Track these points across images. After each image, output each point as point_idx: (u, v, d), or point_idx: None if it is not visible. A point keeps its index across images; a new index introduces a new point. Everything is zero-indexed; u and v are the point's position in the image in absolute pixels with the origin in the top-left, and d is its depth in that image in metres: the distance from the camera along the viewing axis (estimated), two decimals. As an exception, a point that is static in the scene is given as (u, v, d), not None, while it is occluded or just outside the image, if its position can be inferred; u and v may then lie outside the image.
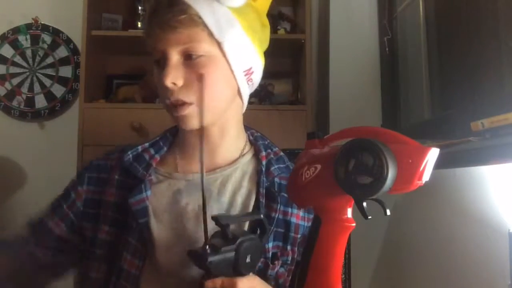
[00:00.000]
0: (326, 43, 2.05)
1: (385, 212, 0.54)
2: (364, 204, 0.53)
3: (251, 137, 0.92)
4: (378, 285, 1.89)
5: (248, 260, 0.62)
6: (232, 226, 0.64)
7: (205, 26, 0.75)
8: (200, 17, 0.75)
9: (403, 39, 1.95)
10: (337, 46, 2.05)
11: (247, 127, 0.94)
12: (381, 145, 0.50)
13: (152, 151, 0.88)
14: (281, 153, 0.91)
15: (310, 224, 0.84)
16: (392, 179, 0.50)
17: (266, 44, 0.88)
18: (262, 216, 0.67)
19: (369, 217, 0.53)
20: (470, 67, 1.32)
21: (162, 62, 0.77)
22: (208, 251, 0.59)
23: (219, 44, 0.77)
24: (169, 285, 0.78)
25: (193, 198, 0.82)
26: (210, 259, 0.58)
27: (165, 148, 0.89)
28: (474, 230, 1.09)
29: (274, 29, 1.93)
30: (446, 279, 1.23)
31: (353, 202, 0.56)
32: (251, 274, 0.67)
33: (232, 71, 0.80)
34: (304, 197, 0.63)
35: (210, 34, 0.76)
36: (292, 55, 2.07)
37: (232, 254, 0.60)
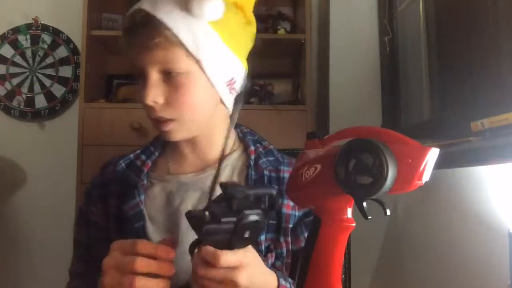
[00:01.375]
0: (326, 43, 2.05)
1: (385, 212, 0.54)
2: (364, 204, 0.53)
3: (240, 134, 0.93)
4: (378, 285, 1.89)
5: (246, 235, 0.59)
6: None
7: (182, 45, 0.74)
8: (176, 37, 0.73)
9: (403, 39, 1.95)
10: (337, 46, 2.05)
11: (236, 124, 0.95)
12: (381, 145, 0.50)
13: (143, 157, 0.90)
14: (271, 147, 0.93)
15: (301, 213, 0.85)
16: (392, 179, 0.50)
17: (251, 43, 0.86)
18: (274, 192, 0.62)
19: (369, 217, 0.53)
20: (470, 67, 1.32)
21: (142, 79, 0.77)
22: (208, 217, 0.56)
23: (197, 61, 0.76)
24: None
25: (185, 198, 0.84)
26: (206, 227, 0.56)
27: (156, 153, 0.91)
28: (474, 230, 1.09)
29: (274, 29, 1.93)
30: (446, 279, 1.23)
31: (353, 202, 0.56)
32: (248, 248, 0.63)
33: (212, 85, 0.79)
34: (304, 197, 0.62)
35: (188, 52, 0.75)
36: (292, 55, 2.07)
37: (231, 226, 0.57)
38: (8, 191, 2.09)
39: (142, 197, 0.84)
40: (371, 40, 2.07)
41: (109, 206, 0.87)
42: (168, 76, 0.76)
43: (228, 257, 0.58)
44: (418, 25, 1.76)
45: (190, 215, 0.59)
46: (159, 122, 0.79)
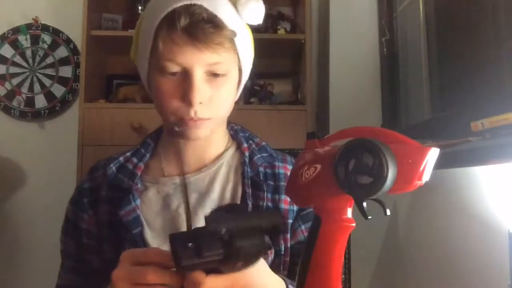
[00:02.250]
0: (326, 43, 2.05)
1: (385, 212, 0.53)
2: (364, 204, 0.53)
3: (231, 132, 0.93)
4: (378, 285, 1.89)
5: (239, 265, 0.51)
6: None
7: (236, 48, 0.76)
8: (233, 40, 0.74)
9: (403, 39, 1.95)
10: (337, 46, 2.05)
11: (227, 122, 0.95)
12: (381, 145, 0.50)
13: (134, 160, 0.86)
14: (263, 143, 0.92)
15: (298, 208, 0.85)
16: (392, 179, 0.50)
17: None
18: (278, 221, 0.52)
19: (369, 217, 0.53)
20: (470, 67, 1.32)
21: (179, 76, 0.74)
22: (190, 249, 0.49)
23: (239, 63, 0.79)
24: None
25: (183, 200, 0.82)
26: (185, 263, 0.49)
27: (147, 155, 0.87)
28: (474, 230, 1.09)
29: (274, 29, 1.93)
30: (446, 279, 1.23)
31: (353, 202, 0.56)
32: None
33: (239, 87, 0.83)
34: (304, 197, 0.62)
35: (236, 58, 0.77)
36: (292, 55, 2.07)
37: (217, 258, 0.49)
38: (8, 191, 2.09)
39: (138, 201, 0.81)
40: (371, 40, 2.07)
41: (100, 212, 0.83)
42: (211, 76, 0.75)
43: (211, 284, 0.53)
44: (418, 25, 1.76)
45: (171, 241, 0.51)
46: (189, 121, 0.76)
